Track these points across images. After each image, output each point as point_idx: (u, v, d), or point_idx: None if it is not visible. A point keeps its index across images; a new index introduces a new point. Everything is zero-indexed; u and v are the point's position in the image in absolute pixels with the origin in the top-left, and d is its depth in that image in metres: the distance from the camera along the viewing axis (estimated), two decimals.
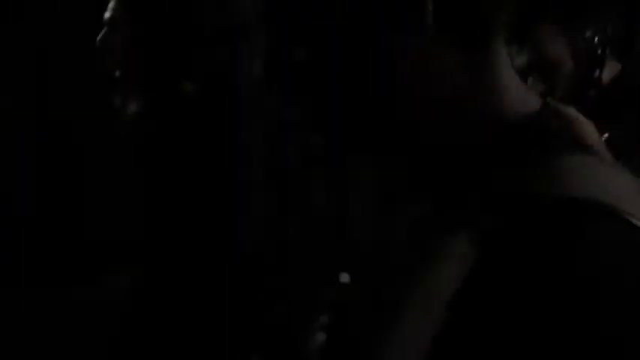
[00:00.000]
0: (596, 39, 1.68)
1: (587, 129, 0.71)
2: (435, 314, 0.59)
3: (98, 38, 1.86)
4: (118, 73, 1.88)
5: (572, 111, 0.71)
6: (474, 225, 0.60)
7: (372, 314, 0.69)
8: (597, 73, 1.69)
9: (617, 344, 0.53)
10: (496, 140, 0.65)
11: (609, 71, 1.77)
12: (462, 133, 0.66)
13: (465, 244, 0.60)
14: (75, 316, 2.51)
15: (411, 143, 0.69)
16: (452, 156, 0.67)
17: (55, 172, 3.32)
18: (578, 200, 0.57)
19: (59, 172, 3.31)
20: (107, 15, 1.86)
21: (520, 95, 0.68)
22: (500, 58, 0.67)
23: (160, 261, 1.85)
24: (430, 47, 0.64)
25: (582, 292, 0.53)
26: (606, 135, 1.74)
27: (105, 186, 3.12)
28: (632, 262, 0.56)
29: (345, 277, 1.23)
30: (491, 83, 0.66)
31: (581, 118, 0.71)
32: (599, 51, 1.69)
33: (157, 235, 1.85)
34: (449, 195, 0.68)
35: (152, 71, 1.83)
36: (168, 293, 1.83)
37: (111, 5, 1.85)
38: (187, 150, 1.79)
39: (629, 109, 1.77)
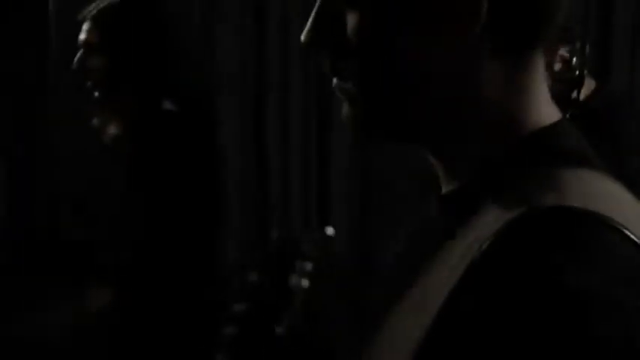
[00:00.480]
0: (574, 60, 1.71)
1: None
2: (427, 315, 0.59)
3: (75, 60, 1.87)
4: (96, 94, 1.90)
5: None
6: (474, 230, 0.61)
7: (369, 310, 0.70)
8: (576, 94, 1.72)
9: (602, 353, 0.52)
10: (513, 148, 0.66)
11: (585, 88, 1.81)
12: (484, 135, 0.67)
13: (463, 248, 0.60)
14: (60, 330, 2.51)
15: (432, 139, 0.69)
16: (468, 158, 0.68)
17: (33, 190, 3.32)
18: (570, 209, 0.58)
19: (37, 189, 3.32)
20: (82, 37, 1.86)
21: (546, 107, 0.69)
22: (539, 69, 0.68)
23: (142, 276, 1.85)
24: (477, 47, 0.64)
25: (568, 300, 0.53)
26: None
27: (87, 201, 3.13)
28: (622, 271, 0.56)
29: (330, 231, 1.25)
30: (526, 91, 0.67)
31: None
32: (577, 72, 1.72)
33: (139, 251, 1.86)
34: (457, 197, 0.69)
35: (131, 91, 1.85)
36: (150, 308, 1.84)
37: (85, 27, 1.86)
38: (168, 167, 1.79)
39: (606, 126, 1.80)
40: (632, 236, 0.58)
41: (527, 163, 0.64)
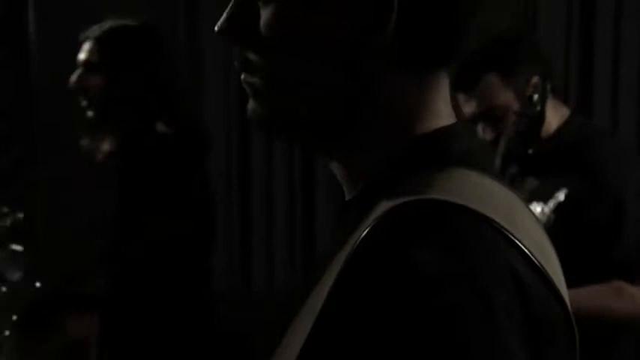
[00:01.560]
0: (536, 96, 1.76)
1: None
2: (312, 318, 0.62)
3: (72, 79, 2.00)
4: (90, 114, 2.02)
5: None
6: (359, 232, 0.63)
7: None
8: (537, 129, 1.79)
9: (454, 339, 0.54)
10: (405, 153, 0.69)
11: (560, 116, 1.84)
12: (382, 141, 0.70)
13: (347, 250, 0.63)
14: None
15: (331, 139, 0.72)
16: (366, 164, 0.71)
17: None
18: (432, 200, 0.61)
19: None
20: (82, 57, 2.00)
21: (446, 117, 0.72)
22: (443, 84, 0.72)
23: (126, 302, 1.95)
24: (384, 58, 0.67)
25: (421, 287, 0.55)
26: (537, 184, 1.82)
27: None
28: (478, 256, 0.58)
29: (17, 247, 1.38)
30: (427, 103, 0.70)
31: None
32: (539, 108, 1.77)
33: (124, 276, 1.95)
34: (354, 203, 0.72)
35: (127, 112, 1.97)
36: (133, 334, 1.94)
37: (86, 47, 2.00)
38: (161, 190, 1.89)
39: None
40: (506, 232, 0.61)
41: (415, 166, 0.68)
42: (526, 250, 0.62)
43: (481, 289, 0.56)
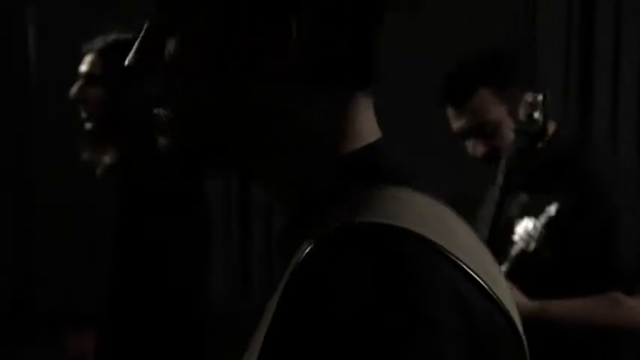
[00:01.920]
0: (537, 114, 1.73)
1: None
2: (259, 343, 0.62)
3: (73, 90, 2.01)
4: (89, 126, 2.02)
5: None
6: (297, 256, 0.63)
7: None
8: (540, 145, 1.79)
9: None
10: (338, 175, 0.69)
11: (549, 130, 1.81)
12: (311, 169, 0.70)
13: (288, 274, 0.63)
14: None
15: (268, 177, 0.73)
16: (295, 189, 0.71)
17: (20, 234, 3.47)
18: (362, 224, 0.61)
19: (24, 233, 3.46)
20: (84, 68, 2.01)
21: (371, 137, 0.72)
22: (364, 103, 0.71)
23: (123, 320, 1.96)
24: (295, 83, 0.67)
25: (366, 313, 0.55)
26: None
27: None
28: (424, 280, 0.58)
29: None
30: (352, 125, 0.70)
31: None
32: (541, 124, 1.74)
33: (123, 295, 1.96)
34: (290, 229, 0.72)
35: (127, 124, 1.98)
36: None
37: (88, 59, 2.01)
38: (163, 203, 1.91)
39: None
40: (448, 254, 0.61)
41: (344, 186, 0.68)
42: (469, 271, 0.62)
43: (428, 314, 0.56)
